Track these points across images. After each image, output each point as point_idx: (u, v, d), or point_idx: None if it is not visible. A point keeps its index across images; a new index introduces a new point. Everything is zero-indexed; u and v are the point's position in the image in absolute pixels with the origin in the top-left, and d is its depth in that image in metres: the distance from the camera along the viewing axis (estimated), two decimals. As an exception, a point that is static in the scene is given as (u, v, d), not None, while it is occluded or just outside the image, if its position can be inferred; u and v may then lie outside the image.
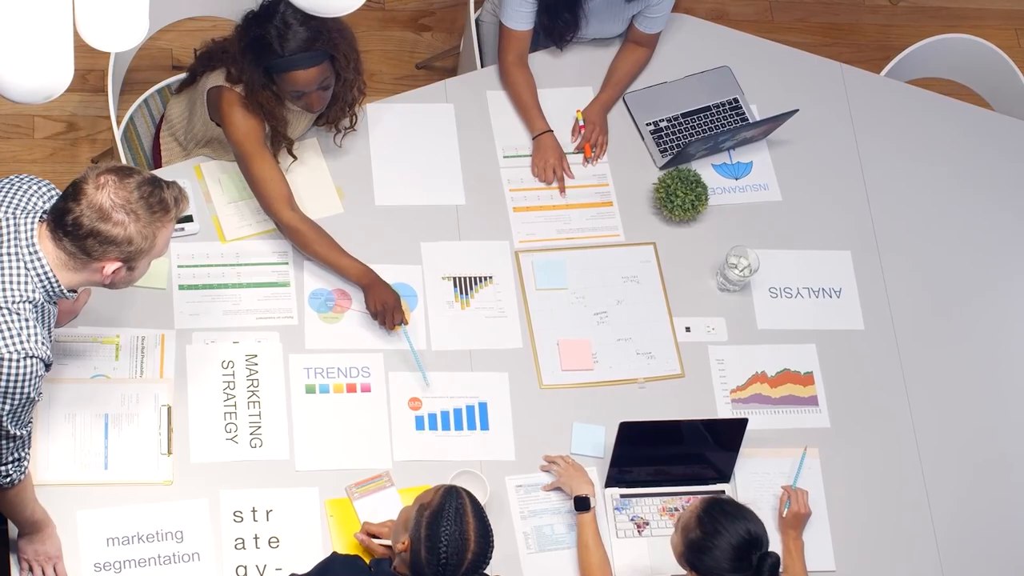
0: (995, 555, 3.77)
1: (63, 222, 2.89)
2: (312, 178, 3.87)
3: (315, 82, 3.57)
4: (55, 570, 3.35)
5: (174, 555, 3.41)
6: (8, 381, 2.90)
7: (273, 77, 3.57)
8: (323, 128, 3.90)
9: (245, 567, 3.43)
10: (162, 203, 2.93)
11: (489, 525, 3.10)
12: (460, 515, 3.05)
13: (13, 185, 3.03)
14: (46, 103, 2.67)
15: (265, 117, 3.66)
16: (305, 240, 3.71)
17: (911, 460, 3.83)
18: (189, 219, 3.78)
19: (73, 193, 2.89)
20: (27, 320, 2.92)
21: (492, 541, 3.10)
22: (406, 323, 3.70)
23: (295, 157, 3.81)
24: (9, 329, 2.90)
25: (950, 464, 3.84)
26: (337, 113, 3.79)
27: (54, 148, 4.77)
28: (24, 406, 2.96)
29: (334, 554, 3.25)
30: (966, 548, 3.75)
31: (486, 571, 3.12)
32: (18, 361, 2.89)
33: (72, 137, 4.79)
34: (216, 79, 3.68)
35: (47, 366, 2.97)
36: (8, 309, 2.90)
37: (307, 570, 3.20)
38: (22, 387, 2.92)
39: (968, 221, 4.17)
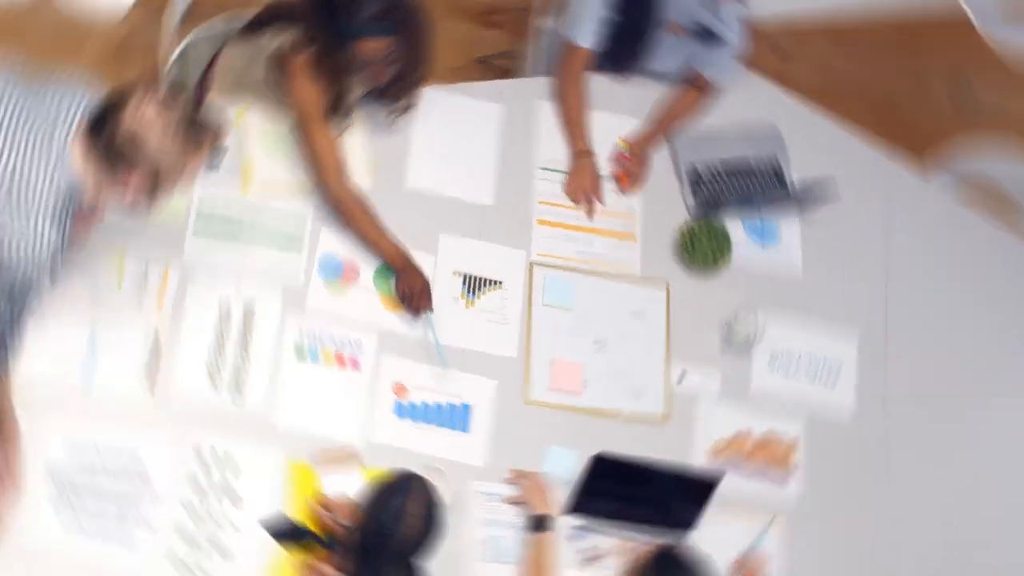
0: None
1: (97, 130, 2.92)
2: (347, 145, 3.86)
3: (382, 54, 3.57)
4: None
5: (134, 492, 3.42)
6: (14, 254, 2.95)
7: (343, 43, 3.57)
8: (376, 103, 3.91)
9: (200, 514, 3.44)
10: (198, 133, 2.95)
11: (437, 513, 3.13)
12: (407, 492, 3.10)
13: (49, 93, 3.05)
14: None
15: (332, 83, 3.65)
16: (349, 214, 3.70)
17: (883, 552, 3.82)
18: (220, 158, 3.78)
19: (112, 105, 2.92)
20: (49, 201, 2.96)
21: (436, 526, 3.12)
22: (431, 310, 3.71)
23: (347, 128, 3.80)
24: (28, 209, 2.94)
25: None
26: (397, 91, 3.79)
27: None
28: (27, 286, 3.01)
29: None
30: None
31: (425, 562, 3.15)
32: (30, 239, 2.95)
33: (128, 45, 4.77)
34: (284, 41, 3.67)
35: (58, 255, 3.00)
36: (28, 196, 2.94)
37: None
38: (25, 265, 2.97)
39: (979, 344, 4.11)
